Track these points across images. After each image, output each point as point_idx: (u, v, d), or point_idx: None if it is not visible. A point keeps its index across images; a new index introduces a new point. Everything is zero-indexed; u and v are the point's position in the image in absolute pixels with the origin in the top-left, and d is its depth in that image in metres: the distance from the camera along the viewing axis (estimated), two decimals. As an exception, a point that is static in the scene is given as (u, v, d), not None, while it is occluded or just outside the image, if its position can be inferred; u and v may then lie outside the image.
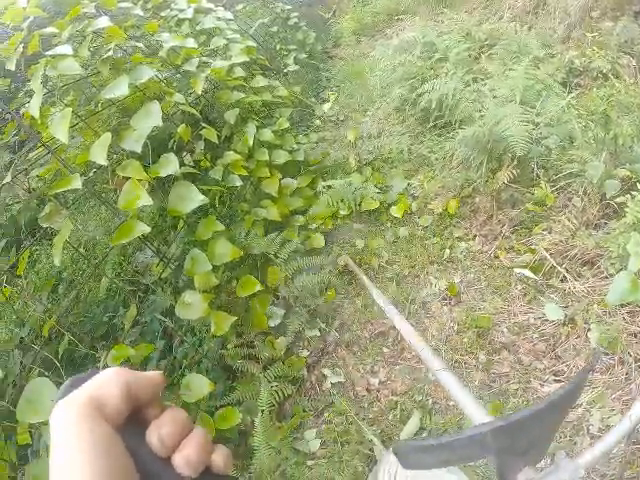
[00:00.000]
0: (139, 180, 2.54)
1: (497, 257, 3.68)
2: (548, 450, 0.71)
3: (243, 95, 3.84)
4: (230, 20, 4.57)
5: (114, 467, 0.41)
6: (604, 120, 3.53)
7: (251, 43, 4.47)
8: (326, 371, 3.28)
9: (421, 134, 4.98)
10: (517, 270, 3.42)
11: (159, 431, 0.45)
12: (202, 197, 2.67)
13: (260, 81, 4.16)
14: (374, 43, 7.70)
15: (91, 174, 3.23)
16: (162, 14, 4.46)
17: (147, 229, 2.49)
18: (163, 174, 2.67)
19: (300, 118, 5.54)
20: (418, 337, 1.82)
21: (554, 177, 3.63)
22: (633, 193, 3.00)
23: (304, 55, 6.05)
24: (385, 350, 3.34)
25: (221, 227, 2.92)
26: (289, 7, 6.73)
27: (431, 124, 4.80)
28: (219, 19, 4.42)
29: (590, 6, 5.74)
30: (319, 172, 4.61)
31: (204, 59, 3.75)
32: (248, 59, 4.03)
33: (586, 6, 5.74)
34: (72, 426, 0.41)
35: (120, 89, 2.66)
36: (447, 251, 3.85)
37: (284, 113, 4.40)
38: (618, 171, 3.24)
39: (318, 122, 5.68)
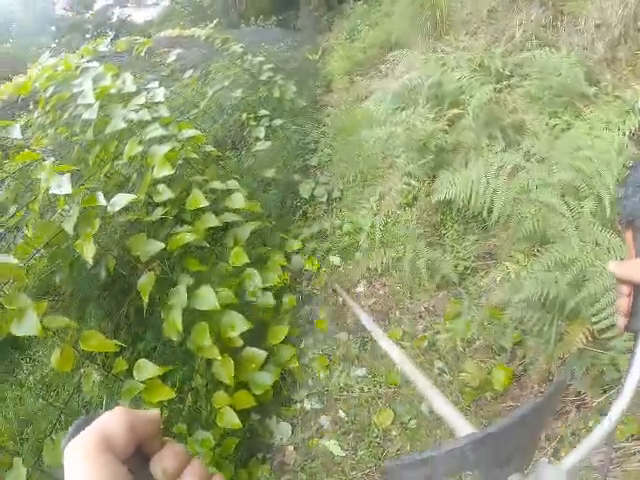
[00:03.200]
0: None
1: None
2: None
3: (162, 245, 2.28)
4: (159, 103, 3.02)
5: None
6: None
7: (192, 132, 2.92)
8: None
9: (441, 225, 3.36)
10: None
11: (161, 463, 0.46)
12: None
13: (198, 200, 2.56)
14: (368, 82, 6.19)
15: None
16: (65, 116, 2.95)
17: None
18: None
19: (281, 203, 3.98)
20: (406, 359, 1.84)
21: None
22: None
23: (280, 120, 4.41)
24: None
25: None
26: (260, 59, 5.10)
27: (454, 215, 3.21)
28: (140, 109, 2.87)
29: (636, 13, 4.00)
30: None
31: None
32: (174, 171, 2.45)
33: (629, 15, 4.02)
34: (85, 462, 0.42)
35: None
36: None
37: (240, 235, 2.82)
38: None
39: (304, 208, 4.13)
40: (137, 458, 0.45)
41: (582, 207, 2.36)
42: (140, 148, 2.55)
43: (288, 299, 3.23)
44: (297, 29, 12.09)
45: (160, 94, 3.05)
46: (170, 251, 2.41)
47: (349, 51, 7.24)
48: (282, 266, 3.17)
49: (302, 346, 3.13)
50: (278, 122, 4.32)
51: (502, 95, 3.92)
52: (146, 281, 2.22)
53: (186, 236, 2.41)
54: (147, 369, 2.05)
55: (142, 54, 4.22)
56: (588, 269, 2.05)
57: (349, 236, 3.71)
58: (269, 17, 11.85)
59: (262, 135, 4.02)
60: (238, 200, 2.85)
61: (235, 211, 2.82)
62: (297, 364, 2.92)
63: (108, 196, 2.19)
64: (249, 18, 12.28)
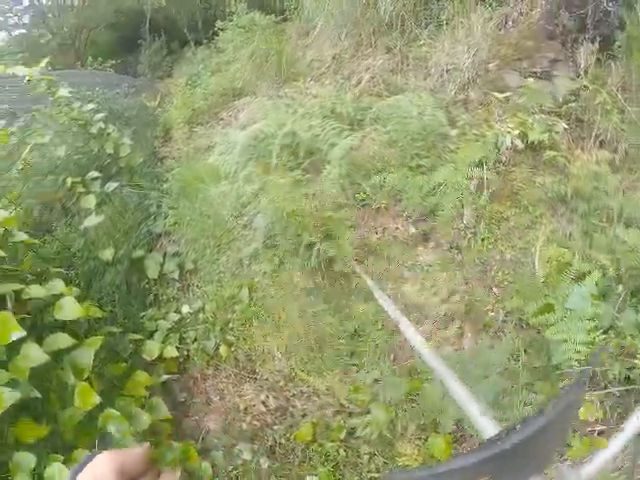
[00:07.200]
0: None
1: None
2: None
3: None
4: None
5: None
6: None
7: None
8: None
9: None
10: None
11: None
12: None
13: (9, 329, 1.69)
14: (210, 132, 5.56)
15: None
16: None
17: None
18: None
19: (127, 289, 3.15)
20: (421, 340, 1.62)
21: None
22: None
23: (115, 183, 3.52)
24: None
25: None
26: (92, 106, 4.17)
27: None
28: None
29: (488, 56, 3.95)
30: None
31: None
32: None
33: (480, 59, 3.95)
34: None
35: None
36: None
37: (82, 363, 1.93)
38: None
39: (154, 290, 3.31)
40: None
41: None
42: None
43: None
44: (137, 74, 11.12)
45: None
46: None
47: (189, 98, 6.58)
48: (147, 387, 2.36)
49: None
50: (112, 186, 3.45)
51: (363, 142, 3.56)
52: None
53: (4, 395, 1.59)
54: None
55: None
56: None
57: (215, 317, 3.02)
58: (107, 60, 10.73)
59: (93, 205, 3.11)
60: (69, 308, 2.01)
61: (66, 327, 2.00)
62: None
63: None
64: (87, 59, 11.06)
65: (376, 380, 2.52)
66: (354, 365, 2.65)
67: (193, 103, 6.31)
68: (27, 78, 3.89)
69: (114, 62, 10.95)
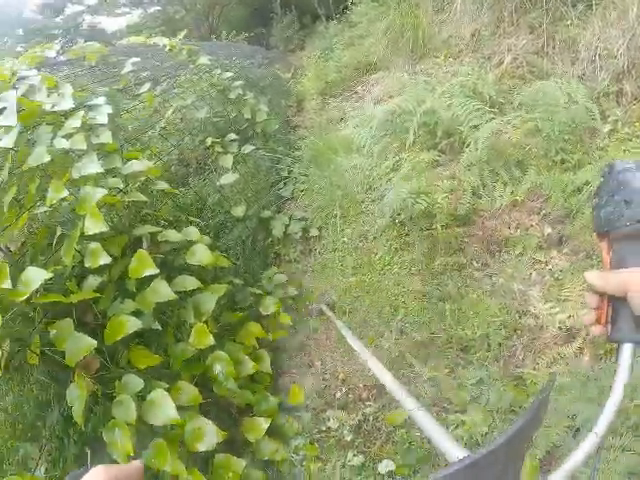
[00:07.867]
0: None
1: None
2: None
3: (94, 343, 1.58)
4: (101, 126, 2.21)
5: None
6: None
7: (141, 165, 2.16)
8: None
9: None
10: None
11: None
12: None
13: (143, 266, 1.81)
14: (343, 104, 5.55)
15: None
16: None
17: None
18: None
19: (252, 244, 3.25)
20: (391, 378, 1.53)
21: None
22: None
23: (251, 147, 3.60)
24: None
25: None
26: (230, 74, 4.32)
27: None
28: (75, 133, 2.07)
29: None
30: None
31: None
32: (106, 228, 1.72)
33: (636, 45, 3.48)
34: None
35: None
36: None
37: (204, 306, 2.03)
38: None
39: (277, 249, 3.43)
40: None
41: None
42: (66, 192, 1.81)
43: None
44: (269, 46, 11.39)
45: (104, 113, 2.26)
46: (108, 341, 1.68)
47: (322, 70, 6.64)
48: (257, 338, 2.45)
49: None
50: (249, 149, 3.57)
51: (505, 128, 3.33)
52: (76, 396, 1.51)
53: (129, 322, 1.70)
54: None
55: (94, 63, 3.39)
56: None
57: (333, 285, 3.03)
58: (240, 33, 11.09)
59: (230, 165, 3.27)
60: (201, 254, 2.12)
61: (194, 272, 2.10)
62: (284, 456, 2.19)
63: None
64: (220, 33, 11.53)
65: (481, 381, 2.38)
66: (462, 360, 2.52)
67: (326, 76, 6.36)
68: (168, 47, 4.07)
69: (247, 35, 11.27)
